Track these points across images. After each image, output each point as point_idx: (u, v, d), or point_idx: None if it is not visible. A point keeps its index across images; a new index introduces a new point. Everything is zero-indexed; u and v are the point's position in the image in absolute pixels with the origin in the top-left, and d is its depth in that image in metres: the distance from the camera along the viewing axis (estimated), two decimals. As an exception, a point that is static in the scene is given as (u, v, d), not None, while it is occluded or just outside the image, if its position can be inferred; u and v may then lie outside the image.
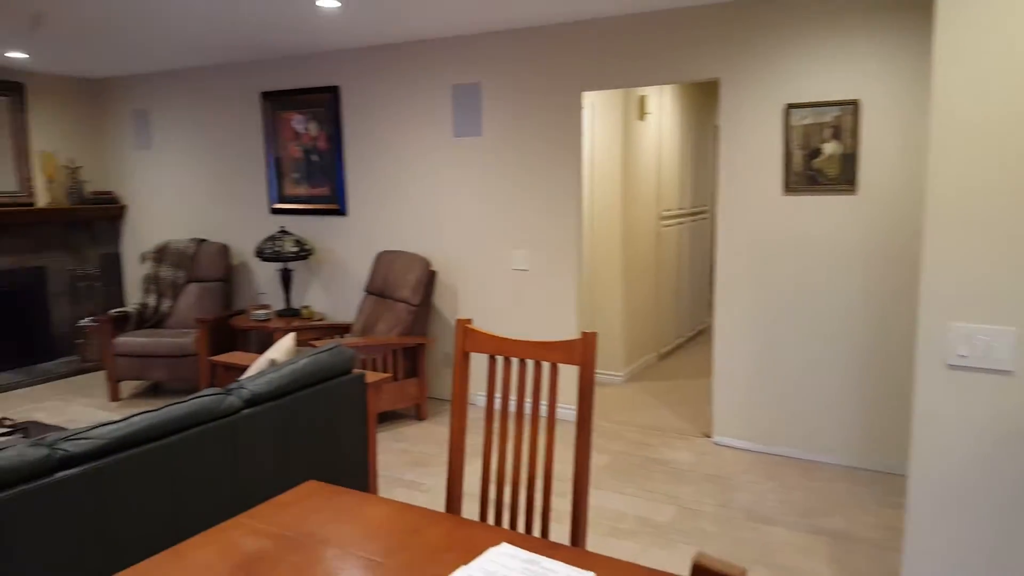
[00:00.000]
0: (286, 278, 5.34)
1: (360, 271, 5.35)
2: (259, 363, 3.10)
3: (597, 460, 3.97)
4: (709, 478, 3.71)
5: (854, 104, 3.71)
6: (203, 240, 5.73)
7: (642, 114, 5.47)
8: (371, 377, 3.40)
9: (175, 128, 5.95)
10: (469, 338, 2.03)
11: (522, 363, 1.98)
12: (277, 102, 5.47)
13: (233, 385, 2.71)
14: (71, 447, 2.13)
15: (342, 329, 5.04)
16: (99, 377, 5.67)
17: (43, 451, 2.06)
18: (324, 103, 5.29)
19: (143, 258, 5.70)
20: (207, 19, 4.14)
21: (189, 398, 2.49)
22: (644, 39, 4.17)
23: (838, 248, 3.81)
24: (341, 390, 3.04)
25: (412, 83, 4.96)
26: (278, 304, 5.65)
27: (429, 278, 4.74)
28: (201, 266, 5.62)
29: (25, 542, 1.99)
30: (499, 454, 2.01)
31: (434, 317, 5.08)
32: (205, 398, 2.51)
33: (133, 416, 2.32)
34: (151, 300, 5.51)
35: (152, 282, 5.57)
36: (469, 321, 2.04)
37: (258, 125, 5.59)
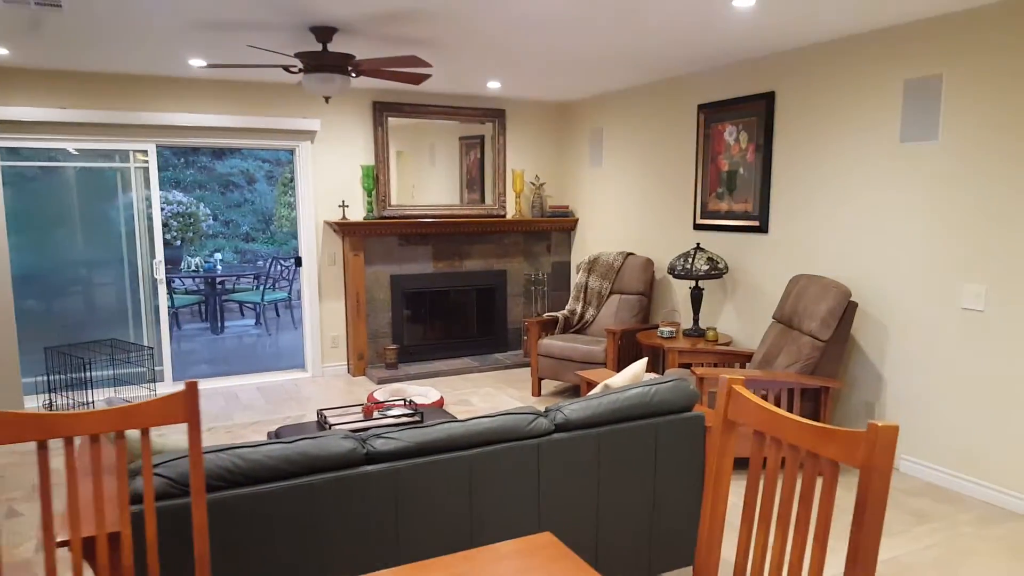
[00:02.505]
0: (696, 297, 5.10)
1: (775, 295, 4.80)
2: (600, 387, 2.97)
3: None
4: None
5: None
6: (630, 254, 5.86)
7: None
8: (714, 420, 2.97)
9: (622, 145, 6.22)
10: (733, 402, 1.56)
11: (793, 449, 1.44)
12: (712, 113, 5.25)
13: (551, 407, 2.64)
14: (379, 444, 2.32)
15: (742, 358, 4.59)
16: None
17: (354, 444, 2.29)
18: (757, 111, 4.88)
19: (577, 268, 6.11)
20: (643, 34, 4.18)
21: (499, 413, 2.50)
22: None
23: None
24: (674, 428, 2.72)
25: (852, 82, 4.21)
26: (687, 323, 5.45)
27: (846, 310, 3.97)
28: (625, 279, 5.75)
29: (330, 522, 2.23)
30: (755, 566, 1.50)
31: (853, 357, 4.25)
32: (514, 416, 2.49)
33: (441, 423, 2.42)
34: (578, 307, 5.87)
35: (581, 290, 5.93)
36: (739, 380, 1.57)
37: (691, 138, 5.45)
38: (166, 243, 11.00)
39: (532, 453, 2.47)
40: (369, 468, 2.29)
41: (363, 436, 2.38)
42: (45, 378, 5.46)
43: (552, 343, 5.39)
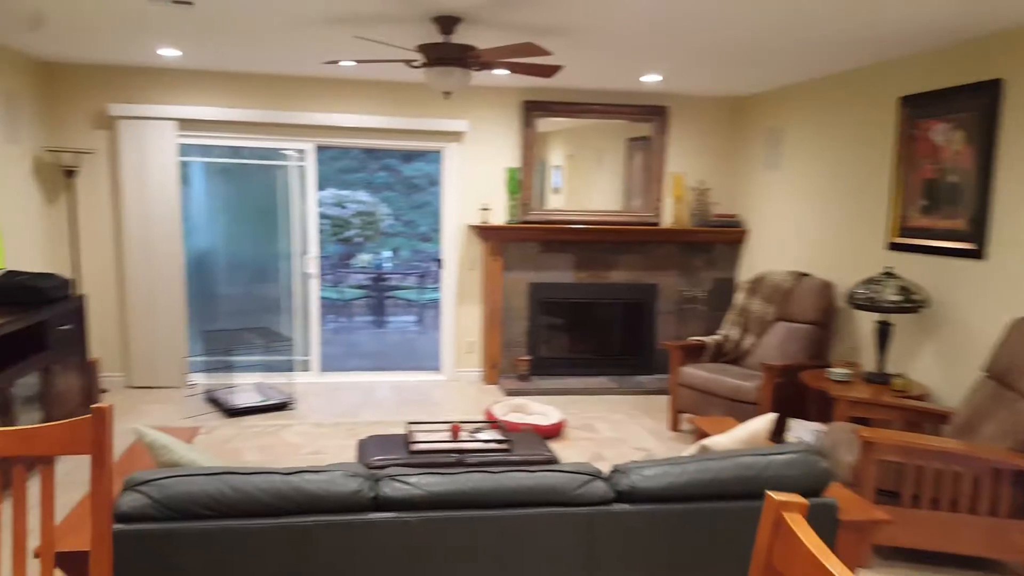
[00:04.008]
0: (883, 333, 4.16)
1: (988, 340, 3.75)
2: (695, 447, 2.34)
3: None
4: None
5: None
6: (805, 275, 4.98)
7: None
8: (857, 510, 2.21)
9: (803, 146, 5.33)
10: (781, 541, 0.95)
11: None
12: (917, 108, 4.27)
13: (619, 466, 2.07)
14: (390, 489, 1.91)
15: (935, 418, 3.62)
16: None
17: (360, 486, 1.90)
18: (977, 105, 3.87)
19: (737, 288, 5.32)
20: (832, 8, 3.44)
21: (543, 468, 1.99)
22: None
23: None
24: (790, 516, 2.03)
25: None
26: (869, 364, 4.48)
27: (1084, 371, 2.94)
28: (795, 304, 4.89)
29: (325, 573, 1.86)
30: None
31: (1097, 433, 3.15)
32: (561, 474, 1.96)
33: (461, 473, 1.95)
34: (734, 333, 5.09)
35: (741, 314, 5.14)
36: (797, 506, 0.96)
37: (888, 138, 4.49)
38: (348, 240, 11.54)
39: (582, 525, 1.92)
40: (375, 516, 1.88)
41: (376, 475, 1.98)
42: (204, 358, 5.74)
43: (696, 372, 4.68)
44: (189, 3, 3.51)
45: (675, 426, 4.86)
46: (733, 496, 1.99)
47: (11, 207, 4.71)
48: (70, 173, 5.12)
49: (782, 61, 4.60)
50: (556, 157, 5.97)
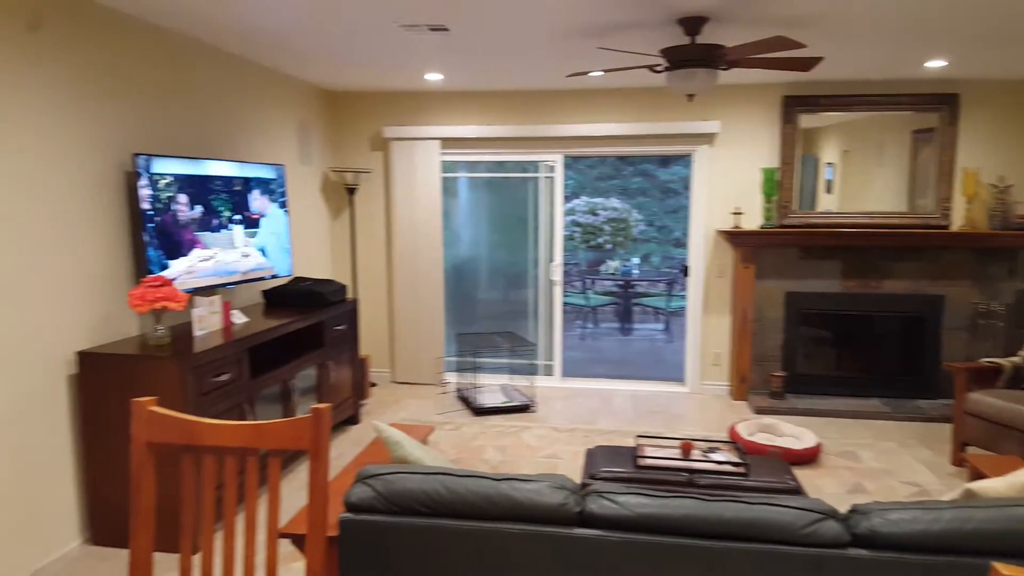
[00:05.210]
0: None
1: None
2: (959, 491, 1.95)
3: None
4: None
5: None
6: None
7: None
8: None
9: None
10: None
11: None
12: None
13: (859, 506, 1.81)
14: (596, 506, 1.85)
15: None
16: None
17: (562, 499, 1.87)
18: None
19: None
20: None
21: (767, 501, 1.79)
22: None
23: None
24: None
25: None
26: None
27: None
28: None
29: (525, 584, 1.85)
30: None
31: None
32: (787, 509, 1.76)
33: (674, 497, 1.83)
34: (1042, 356, 4.22)
35: (1051, 333, 4.25)
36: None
37: None
38: (598, 247, 11.66)
39: (808, 568, 1.70)
40: (579, 532, 1.84)
41: (584, 491, 1.93)
42: (456, 359, 6.17)
43: (986, 400, 3.96)
44: (445, 29, 3.78)
45: (957, 461, 4.16)
46: (1002, 554, 1.63)
47: (303, 221, 5.45)
48: (351, 190, 5.79)
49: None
50: (828, 154, 5.45)
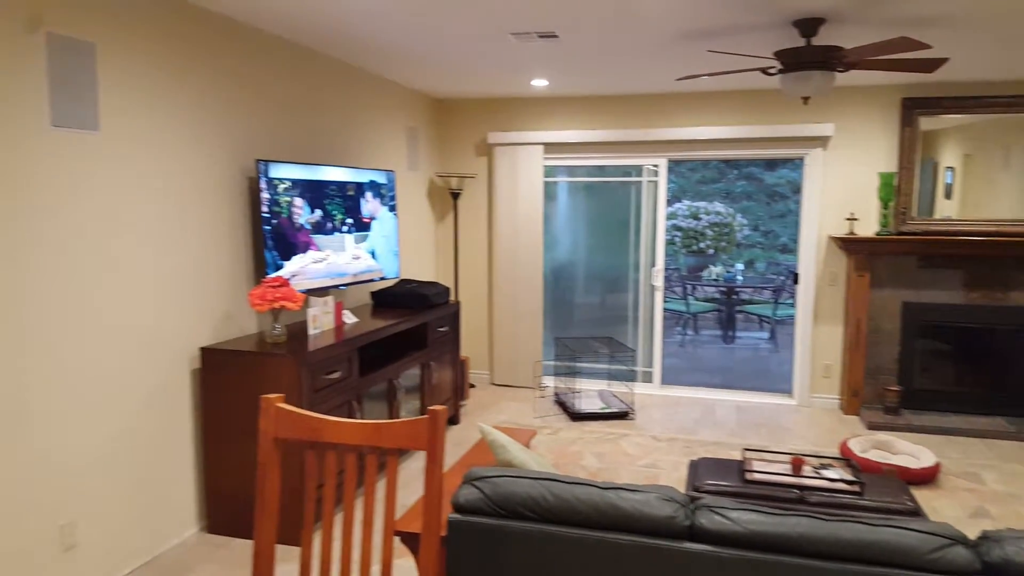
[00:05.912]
0: None
1: None
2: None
3: None
4: None
5: None
6: None
7: None
8: None
9: None
10: None
11: None
12: None
13: (989, 533, 1.71)
14: (706, 520, 1.82)
15: None
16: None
17: (672, 511, 1.85)
18: None
19: None
20: None
21: (889, 523, 1.72)
22: None
23: None
24: None
25: None
26: None
27: None
28: None
29: (632, 594, 1.84)
30: None
31: None
32: (911, 532, 1.68)
33: (790, 515, 1.78)
34: None
35: None
36: None
37: None
38: (700, 252, 11.40)
39: (936, 598, 1.61)
40: (689, 546, 1.81)
41: (693, 504, 1.90)
42: (554, 363, 6.20)
43: None
44: (554, 36, 3.81)
45: (1095, 491, 3.83)
46: None
47: (410, 225, 5.62)
48: (456, 195, 5.91)
49: None
50: (947, 158, 5.13)
